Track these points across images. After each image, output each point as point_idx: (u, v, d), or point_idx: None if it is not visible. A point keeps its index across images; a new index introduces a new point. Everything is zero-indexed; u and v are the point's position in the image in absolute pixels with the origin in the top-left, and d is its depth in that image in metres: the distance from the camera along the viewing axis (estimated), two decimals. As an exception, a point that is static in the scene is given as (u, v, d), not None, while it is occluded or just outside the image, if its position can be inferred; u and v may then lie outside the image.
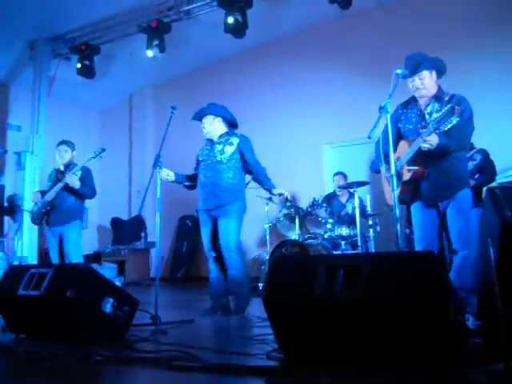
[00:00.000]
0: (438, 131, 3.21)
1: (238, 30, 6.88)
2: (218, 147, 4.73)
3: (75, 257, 5.18)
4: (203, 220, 4.73)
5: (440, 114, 3.18)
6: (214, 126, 4.82)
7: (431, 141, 3.28)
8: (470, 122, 3.44)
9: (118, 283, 7.90)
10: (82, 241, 5.36)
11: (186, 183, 4.98)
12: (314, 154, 8.78)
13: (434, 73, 3.59)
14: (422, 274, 2.23)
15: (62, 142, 5.46)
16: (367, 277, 2.31)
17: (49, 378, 2.38)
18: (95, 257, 10.11)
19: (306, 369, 2.36)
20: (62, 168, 5.40)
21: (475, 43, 7.16)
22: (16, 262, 7.42)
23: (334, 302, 2.37)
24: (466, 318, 3.12)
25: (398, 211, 3.13)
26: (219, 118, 4.84)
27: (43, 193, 5.39)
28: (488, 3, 7.13)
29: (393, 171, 3.17)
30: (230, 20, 6.85)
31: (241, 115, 9.31)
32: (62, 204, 5.26)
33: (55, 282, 3.28)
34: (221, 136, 4.79)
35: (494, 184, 5.42)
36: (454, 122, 3.08)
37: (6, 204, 7.57)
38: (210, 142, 4.85)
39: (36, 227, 7.17)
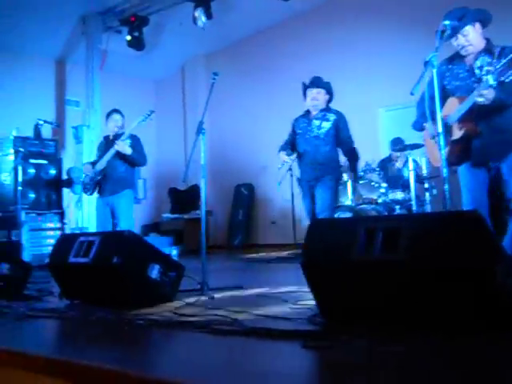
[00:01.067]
0: (496, 83, 3.00)
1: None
2: (316, 122, 4.99)
3: (125, 226, 5.20)
4: (304, 190, 5.06)
5: (499, 65, 2.97)
6: (322, 101, 5.07)
7: (488, 94, 3.07)
8: None
9: (174, 252, 8.07)
10: (133, 210, 5.41)
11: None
12: (369, 117, 8.55)
13: (477, 25, 3.33)
14: (465, 235, 2.12)
15: (113, 111, 5.51)
16: (407, 239, 2.22)
17: (90, 341, 2.44)
18: (154, 226, 10.35)
19: (345, 333, 2.31)
20: (111, 137, 5.46)
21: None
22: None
23: (372, 264, 2.30)
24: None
25: (445, 171, 2.98)
26: (328, 96, 5.10)
27: (94, 164, 5.49)
28: None
29: (440, 129, 3.01)
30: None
31: (294, 79, 9.22)
32: (114, 173, 5.30)
33: (102, 249, 3.36)
34: (320, 111, 5.03)
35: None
36: None
37: (65, 177, 7.81)
38: (308, 114, 5.10)
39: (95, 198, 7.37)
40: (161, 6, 7.91)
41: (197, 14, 7.47)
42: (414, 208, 5.99)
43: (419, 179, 6.35)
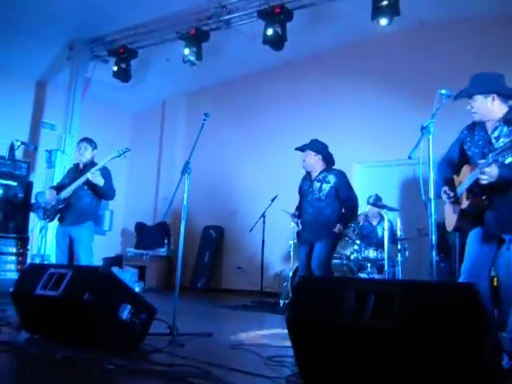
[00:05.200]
0: (497, 163, 2.95)
1: (277, 42, 6.80)
2: (317, 185, 5.10)
3: (85, 259, 4.99)
4: (302, 247, 5.18)
5: (507, 141, 2.92)
6: (313, 163, 5.14)
7: (490, 172, 3.01)
8: None
9: (137, 289, 7.84)
10: (93, 242, 5.20)
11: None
12: (346, 172, 8.61)
13: (491, 97, 3.25)
14: (458, 308, 2.08)
15: (83, 140, 5.33)
16: (399, 306, 2.17)
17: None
18: (116, 260, 10.08)
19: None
20: (81, 166, 5.29)
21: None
22: (38, 260, 7.41)
23: (362, 330, 2.23)
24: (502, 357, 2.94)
25: (434, 238, 2.96)
26: (319, 156, 5.13)
27: (58, 188, 5.28)
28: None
29: (431, 195, 3.01)
30: (270, 32, 6.77)
31: (272, 128, 9.32)
32: (78, 203, 5.08)
33: (74, 283, 3.21)
34: (319, 173, 5.13)
35: None
36: None
37: (33, 201, 7.55)
38: (309, 175, 5.22)
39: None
40: (152, 41, 7.90)
41: (187, 52, 7.49)
42: (386, 268, 5.98)
43: (393, 239, 6.37)
